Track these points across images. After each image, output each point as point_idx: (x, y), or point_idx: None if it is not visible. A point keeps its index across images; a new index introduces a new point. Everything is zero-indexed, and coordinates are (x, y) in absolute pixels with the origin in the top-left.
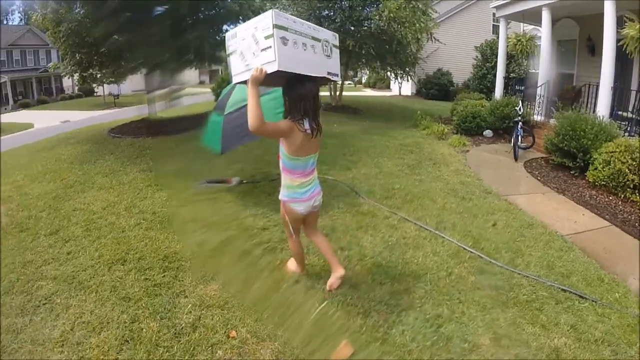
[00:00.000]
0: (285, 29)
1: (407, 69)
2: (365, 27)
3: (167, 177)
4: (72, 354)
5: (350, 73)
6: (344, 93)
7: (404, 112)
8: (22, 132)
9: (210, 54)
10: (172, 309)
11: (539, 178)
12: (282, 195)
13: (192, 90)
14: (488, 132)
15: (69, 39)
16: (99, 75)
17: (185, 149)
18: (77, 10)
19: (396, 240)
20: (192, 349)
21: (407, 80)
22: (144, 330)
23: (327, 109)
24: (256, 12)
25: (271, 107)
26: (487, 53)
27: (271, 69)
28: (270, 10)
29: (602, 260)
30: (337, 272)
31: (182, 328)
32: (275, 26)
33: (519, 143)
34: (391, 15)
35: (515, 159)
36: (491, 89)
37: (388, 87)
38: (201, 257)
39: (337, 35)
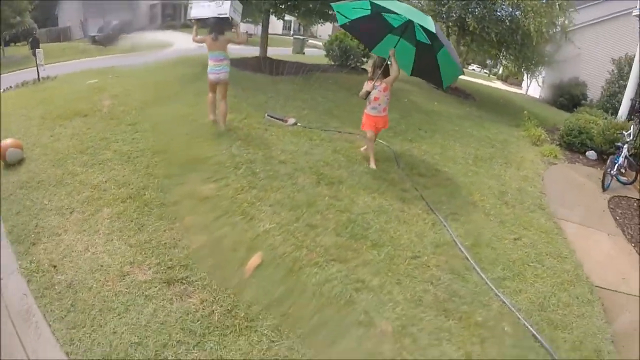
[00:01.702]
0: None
1: (533, 66)
2: (493, 11)
3: (246, 105)
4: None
5: (489, 62)
6: (469, 79)
7: (517, 111)
8: (164, 50)
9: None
10: (171, 186)
11: (617, 218)
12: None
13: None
14: (591, 154)
15: None
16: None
17: (275, 88)
18: None
19: (392, 209)
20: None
21: (532, 80)
22: (146, 195)
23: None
24: None
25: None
26: (625, 70)
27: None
28: None
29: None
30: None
31: (166, 203)
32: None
33: (613, 172)
34: (515, 1)
35: (603, 189)
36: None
37: (520, 85)
38: None
39: None
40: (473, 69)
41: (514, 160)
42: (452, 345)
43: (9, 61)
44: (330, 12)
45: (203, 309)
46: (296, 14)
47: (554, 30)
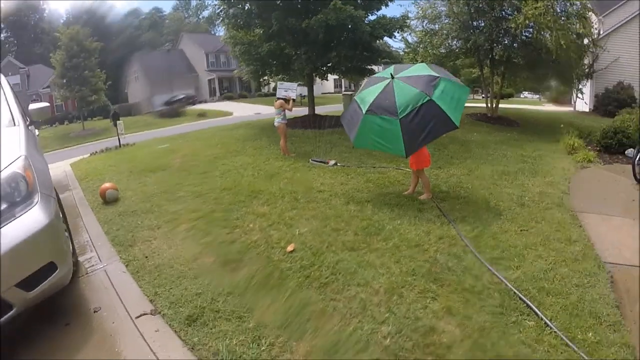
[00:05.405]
0: None
1: (574, 81)
2: (516, 37)
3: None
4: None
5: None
6: (519, 106)
7: (562, 128)
8: (223, 118)
9: (355, 67)
10: (235, 209)
11: None
12: None
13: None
14: (630, 152)
15: (243, 55)
16: (271, 81)
17: (320, 139)
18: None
19: (407, 216)
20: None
21: (576, 95)
22: (215, 215)
23: (480, 119)
24: (389, 31)
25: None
26: None
27: None
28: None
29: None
30: None
31: (230, 218)
32: None
33: None
34: (527, 22)
35: (637, 180)
36: None
37: (570, 103)
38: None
39: None
40: (525, 97)
41: (542, 170)
42: (436, 302)
43: (88, 133)
44: (366, 67)
45: (250, 274)
46: (337, 73)
47: (580, 42)
